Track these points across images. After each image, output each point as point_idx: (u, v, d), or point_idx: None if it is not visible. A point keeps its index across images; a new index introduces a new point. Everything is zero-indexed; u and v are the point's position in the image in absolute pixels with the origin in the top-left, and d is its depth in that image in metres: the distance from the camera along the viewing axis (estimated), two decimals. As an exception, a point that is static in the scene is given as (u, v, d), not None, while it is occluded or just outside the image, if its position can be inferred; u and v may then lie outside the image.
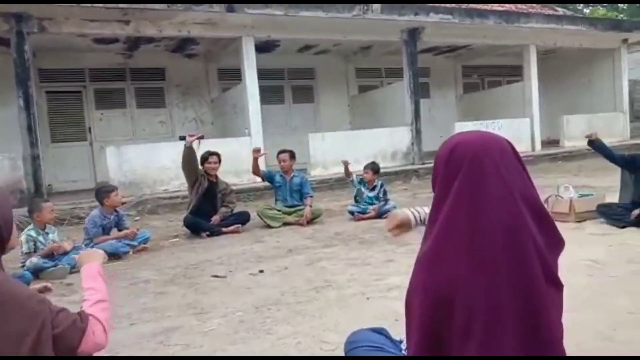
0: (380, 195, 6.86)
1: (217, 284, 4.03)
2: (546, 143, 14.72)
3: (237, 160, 9.96)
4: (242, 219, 6.46)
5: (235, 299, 3.58)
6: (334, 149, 11.33)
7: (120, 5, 8.84)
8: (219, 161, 6.52)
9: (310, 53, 13.49)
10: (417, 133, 12.26)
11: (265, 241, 5.63)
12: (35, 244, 4.75)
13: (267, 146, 13.07)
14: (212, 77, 12.89)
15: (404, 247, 4.70)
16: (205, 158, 6.45)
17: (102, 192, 5.51)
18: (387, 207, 6.69)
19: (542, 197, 5.99)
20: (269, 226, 6.40)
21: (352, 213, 6.72)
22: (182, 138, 10.23)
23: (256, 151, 6.70)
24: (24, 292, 1.49)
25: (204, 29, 10.27)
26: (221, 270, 4.43)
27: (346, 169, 7.01)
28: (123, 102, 12.08)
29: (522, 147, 13.40)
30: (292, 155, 6.86)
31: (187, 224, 6.18)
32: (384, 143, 12.03)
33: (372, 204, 6.79)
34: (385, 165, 11.83)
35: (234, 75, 11.67)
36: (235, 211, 6.62)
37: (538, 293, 1.44)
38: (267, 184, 7.40)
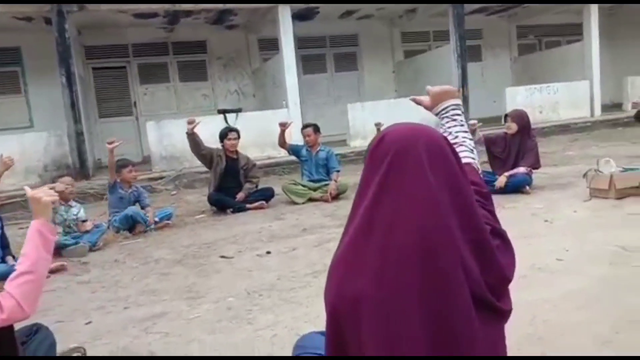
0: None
1: (222, 265, 4.00)
2: (609, 107, 13.67)
3: (274, 133, 9.85)
4: (267, 195, 6.41)
5: (233, 282, 3.53)
6: (374, 118, 10.98)
7: (154, -21, 8.84)
8: (238, 137, 6.46)
9: (353, 18, 13.07)
10: (465, 99, 11.68)
11: (285, 218, 5.56)
12: (54, 212, 4.84)
13: (309, 117, 13.00)
14: (253, 48, 12.80)
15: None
16: (224, 134, 6.41)
17: (117, 167, 5.57)
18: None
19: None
20: (293, 202, 6.32)
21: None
22: (221, 112, 10.32)
23: (282, 124, 6.56)
24: None
25: (240, -1, 10.13)
26: (231, 250, 4.41)
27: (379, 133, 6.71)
28: (166, 76, 12.26)
29: (580, 112, 12.52)
30: (317, 129, 6.69)
31: (212, 201, 6.21)
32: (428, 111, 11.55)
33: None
34: (430, 134, 11.45)
35: (274, 45, 11.50)
36: (260, 186, 6.58)
37: (459, 325, 1.21)
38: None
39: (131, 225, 5.33)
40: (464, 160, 1.49)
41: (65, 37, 9.04)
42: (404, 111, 11.07)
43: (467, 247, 1.26)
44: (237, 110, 10.40)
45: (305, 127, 6.79)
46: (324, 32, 13.19)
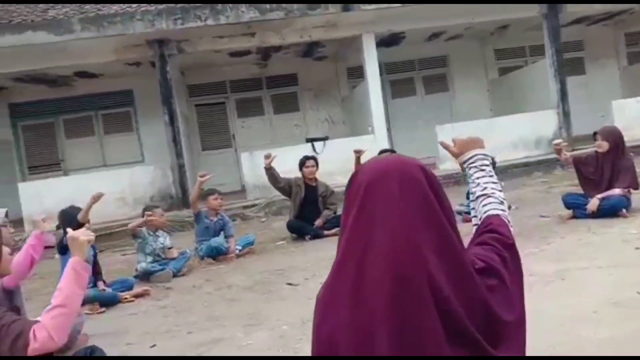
0: (493, 193, 6.29)
1: (287, 292, 4.12)
2: None
3: (362, 160, 9.94)
4: (344, 222, 6.46)
5: (292, 310, 3.62)
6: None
7: (243, 20, 9.45)
8: (317, 165, 6.61)
9: (441, 40, 12.89)
10: (565, 116, 10.99)
11: (359, 245, 5.56)
12: (144, 242, 5.27)
13: (399, 141, 12.98)
14: (342, 77, 13.08)
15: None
16: (302, 163, 6.61)
17: (204, 194, 5.94)
18: (499, 206, 6.12)
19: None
20: (371, 228, 6.30)
21: (459, 213, 6.28)
22: (309, 140, 10.64)
23: (357, 151, 6.60)
24: None
25: (324, 32, 10.48)
26: (300, 277, 4.52)
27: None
28: (261, 109, 12.91)
29: None
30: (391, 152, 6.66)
31: (290, 228, 6.41)
32: (525, 129, 11.00)
33: (484, 202, 6.27)
34: (528, 154, 10.87)
35: (361, 72, 11.69)
36: (338, 213, 6.66)
37: (428, 349, 1.20)
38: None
39: (215, 254, 5.66)
40: (492, 212, 1.46)
41: (167, 79, 9.92)
42: (497, 131, 10.82)
43: (441, 272, 1.24)
44: (324, 139, 10.66)
45: (381, 152, 6.79)
46: (412, 55, 13.16)
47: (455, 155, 1.69)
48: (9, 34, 8.73)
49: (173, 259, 5.33)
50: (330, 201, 6.67)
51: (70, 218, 4.38)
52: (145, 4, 9.53)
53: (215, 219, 5.99)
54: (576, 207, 5.48)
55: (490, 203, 1.51)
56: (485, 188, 1.54)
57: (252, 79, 12.72)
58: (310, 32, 10.39)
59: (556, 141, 5.97)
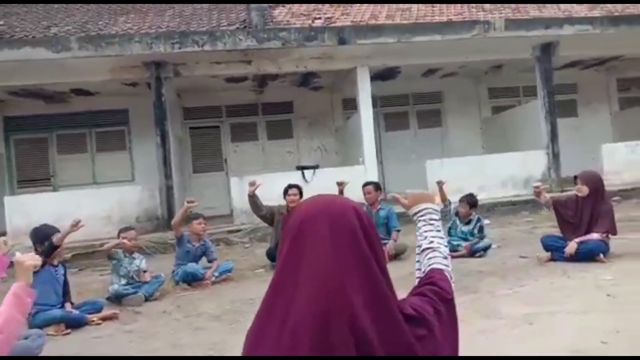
0: (475, 231, 6.31)
1: (255, 323, 4.07)
2: None
3: (351, 189, 9.91)
4: (324, 252, 6.44)
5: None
6: (455, 176, 10.72)
7: (240, 48, 9.58)
8: (300, 194, 6.62)
9: (436, 76, 13.08)
10: (555, 157, 11.08)
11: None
12: (118, 264, 5.24)
13: (390, 173, 13.05)
14: (337, 107, 13.21)
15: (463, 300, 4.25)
16: (285, 191, 6.63)
17: (188, 218, 5.93)
18: (480, 245, 6.13)
19: None
20: (351, 261, 6.27)
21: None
22: (299, 168, 10.67)
23: (339, 183, 6.64)
24: None
25: (320, 63, 10.64)
26: (272, 308, 4.46)
27: (441, 191, 6.55)
28: (255, 134, 12.99)
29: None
30: (377, 187, 6.70)
31: (270, 256, 6.38)
32: (515, 168, 11.07)
33: (466, 239, 6.28)
34: (517, 193, 10.91)
35: (356, 104, 11.80)
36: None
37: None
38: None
39: (190, 279, 5.61)
40: (436, 266, 1.48)
41: (162, 101, 10.00)
42: (487, 168, 10.89)
43: (366, 315, 1.24)
44: (315, 167, 10.70)
45: (366, 184, 6.83)
46: (407, 90, 13.33)
47: (407, 207, 1.73)
48: (8, 49, 8.83)
49: (147, 282, 5.28)
50: (312, 231, 6.64)
51: (42, 236, 4.36)
52: (145, 27, 9.72)
53: (197, 245, 5.97)
54: (554, 250, 5.48)
55: (435, 257, 1.53)
56: (431, 242, 1.56)
57: (248, 104, 12.84)
58: (306, 63, 10.54)
59: (535, 183, 6.02)
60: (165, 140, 10.00)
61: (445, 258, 1.59)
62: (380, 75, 12.29)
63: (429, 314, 1.42)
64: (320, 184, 9.86)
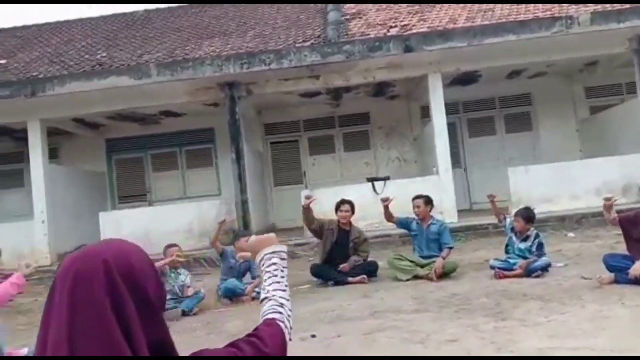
0: (534, 248, 5.76)
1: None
2: None
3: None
4: (369, 269, 6.29)
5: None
6: (541, 183, 9.97)
7: (305, 63, 9.72)
8: (352, 210, 6.52)
9: (523, 78, 12.22)
10: (661, 159, 9.79)
11: (371, 297, 5.38)
12: (164, 279, 5.52)
13: (474, 181, 12.41)
14: (415, 115, 12.86)
15: (492, 325, 3.90)
16: (337, 207, 6.55)
17: (235, 235, 6.11)
18: (538, 264, 5.58)
19: None
20: (397, 278, 6.06)
21: (492, 268, 5.81)
22: (369, 180, 10.54)
23: (384, 200, 6.42)
24: None
25: (388, 72, 10.45)
26: (293, 328, 4.44)
27: (493, 205, 6.06)
28: (332, 146, 13.08)
29: None
30: (428, 201, 6.39)
31: (313, 272, 6.35)
32: (611, 174, 9.96)
33: (524, 257, 5.76)
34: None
35: (433, 111, 11.41)
36: (368, 260, 6.49)
37: None
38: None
39: (231, 295, 5.77)
40: (269, 316, 1.40)
41: (236, 119, 10.44)
42: (578, 174, 9.90)
43: None
44: (385, 178, 10.48)
45: (415, 198, 6.54)
46: (492, 93, 12.60)
47: (249, 258, 1.64)
48: (97, 79, 9.78)
49: (189, 297, 5.52)
50: (362, 248, 6.52)
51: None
52: (218, 50, 10.26)
53: (242, 260, 6.10)
54: (618, 271, 4.84)
55: (270, 306, 1.45)
56: (268, 292, 1.48)
57: (325, 117, 12.97)
58: (374, 73, 10.40)
59: (607, 195, 5.35)
60: (240, 157, 10.41)
61: (281, 305, 1.48)
62: (459, 80, 11.77)
63: None
64: (390, 195, 9.63)
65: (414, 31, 9.85)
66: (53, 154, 12.62)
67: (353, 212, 6.62)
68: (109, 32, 13.12)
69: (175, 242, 8.47)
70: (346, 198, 6.83)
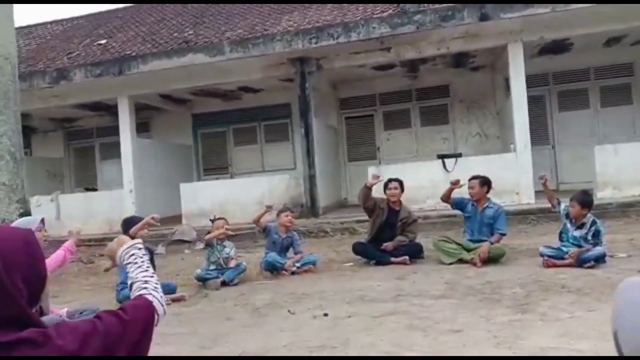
0: (589, 237, 5.27)
1: (278, 320, 4.19)
2: None
3: (500, 180, 8.93)
4: (412, 250, 6.13)
5: (258, 341, 3.70)
6: (633, 164, 9.01)
7: (373, 36, 9.51)
8: (401, 188, 6.36)
9: (624, 45, 10.96)
10: None
11: (406, 279, 5.26)
12: (211, 250, 5.84)
13: (563, 159, 11.52)
14: (499, 88, 12.07)
15: (515, 317, 3.69)
16: (386, 185, 6.43)
17: (278, 211, 6.28)
18: (591, 253, 5.11)
19: None
20: (441, 261, 5.87)
21: (542, 255, 5.41)
22: (440, 157, 10.18)
23: (453, 182, 6.10)
24: None
25: (464, 43, 9.90)
26: (312, 305, 4.52)
27: (545, 187, 5.61)
28: (408, 121, 12.72)
29: None
30: (485, 182, 6.04)
31: (355, 250, 6.32)
32: None
33: (579, 246, 5.29)
34: None
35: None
36: (415, 241, 6.33)
37: None
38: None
39: (271, 268, 5.95)
40: (137, 293, 1.51)
41: (306, 94, 10.52)
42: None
43: None
44: (457, 155, 10.05)
45: (471, 179, 6.20)
46: (586, 63, 11.46)
47: (115, 261, 1.75)
48: (176, 57, 10.33)
49: (231, 268, 5.78)
50: (409, 229, 6.37)
51: (130, 226, 5.12)
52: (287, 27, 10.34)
53: (284, 236, 6.25)
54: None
55: (137, 287, 1.57)
56: (132, 278, 1.60)
57: (401, 91, 12.62)
58: (448, 44, 9.92)
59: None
60: (309, 132, 10.51)
61: (145, 282, 1.59)
62: (550, 49, 10.85)
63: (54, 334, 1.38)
64: (461, 174, 9.22)
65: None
66: (144, 128, 13.64)
67: (402, 191, 6.45)
68: (196, 10, 13.69)
69: (247, 214, 8.88)
70: (393, 177, 6.64)
